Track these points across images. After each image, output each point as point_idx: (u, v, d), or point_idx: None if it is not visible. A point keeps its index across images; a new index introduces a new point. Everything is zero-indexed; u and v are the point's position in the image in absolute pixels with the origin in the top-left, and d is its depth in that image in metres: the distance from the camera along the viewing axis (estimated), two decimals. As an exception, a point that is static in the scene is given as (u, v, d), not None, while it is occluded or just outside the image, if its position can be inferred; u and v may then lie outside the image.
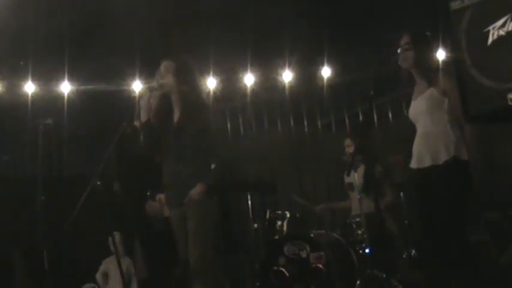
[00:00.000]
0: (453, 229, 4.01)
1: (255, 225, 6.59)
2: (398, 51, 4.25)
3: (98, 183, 4.23)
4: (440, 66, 4.28)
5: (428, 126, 4.16)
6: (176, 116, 4.52)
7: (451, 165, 4.03)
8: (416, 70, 4.28)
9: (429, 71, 4.23)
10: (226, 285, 4.42)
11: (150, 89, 4.55)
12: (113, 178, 5.84)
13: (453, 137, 4.07)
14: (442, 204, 4.03)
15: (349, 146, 6.43)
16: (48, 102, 7.79)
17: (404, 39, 4.26)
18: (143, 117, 4.50)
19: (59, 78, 7.86)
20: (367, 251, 5.79)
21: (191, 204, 4.30)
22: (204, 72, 7.79)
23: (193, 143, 4.38)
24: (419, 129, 4.25)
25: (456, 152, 4.03)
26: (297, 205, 6.88)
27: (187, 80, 4.51)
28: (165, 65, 4.55)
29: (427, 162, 4.12)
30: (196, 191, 4.30)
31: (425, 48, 4.26)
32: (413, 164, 4.25)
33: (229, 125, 8.51)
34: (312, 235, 5.87)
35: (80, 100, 7.89)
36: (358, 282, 5.52)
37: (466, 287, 4.04)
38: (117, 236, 6.54)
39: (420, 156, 4.17)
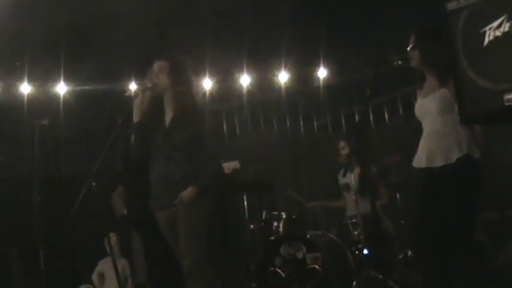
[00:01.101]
0: (465, 228, 4.01)
1: (252, 225, 6.59)
2: (408, 49, 4.24)
3: (94, 184, 4.21)
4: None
5: (439, 125, 4.11)
6: (169, 116, 4.49)
7: (465, 163, 4.00)
8: (425, 68, 4.24)
9: (441, 70, 4.18)
10: (219, 286, 4.39)
11: (143, 90, 4.50)
12: (114, 182, 5.83)
13: (464, 136, 4.05)
14: (455, 203, 4.01)
15: (343, 148, 6.43)
16: (44, 103, 7.79)
17: (410, 39, 4.24)
18: (136, 117, 4.46)
19: (55, 79, 7.86)
20: (365, 252, 5.80)
21: (182, 206, 4.26)
22: (200, 73, 7.80)
23: (186, 144, 4.34)
24: (428, 128, 4.19)
25: (469, 150, 4.02)
26: (291, 202, 6.88)
27: (182, 81, 4.45)
28: (159, 65, 4.48)
29: (439, 162, 4.08)
30: (188, 192, 4.24)
31: (431, 47, 4.21)
32: (420, 163, 4.20)
33: (225, 126, 8.51)
34: (308, 236, 5.87)
35: (76, 101, 7.89)
36: (354, 283, 5.53)
37: (468, 286, 4.04)
38: (113, 237, 6.54)
39: (431, 155, 4.11)
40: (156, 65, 4.50)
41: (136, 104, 4.46)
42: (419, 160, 4.19)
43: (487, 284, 4.13)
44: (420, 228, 4.26)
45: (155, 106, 4.51)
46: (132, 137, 4.51)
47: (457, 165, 4.00)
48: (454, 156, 4.02)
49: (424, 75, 4.30)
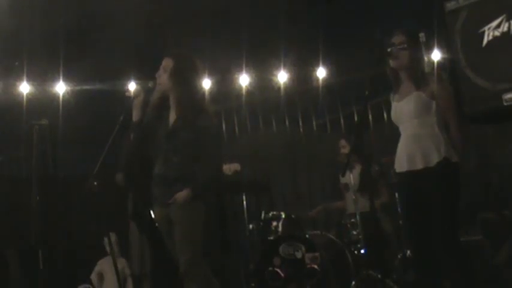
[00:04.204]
0: (446, 230, 4.02)
1: (250, 225, 6.59)
2: (389, 50, 4.20)
3: (95, 183, 4.19)
4: (432, 68, 4.23)
5: (416, 128, 4.12)
6: (173, 116, 4.47)
7: (444, 167, 4.02)
8: (406, 71, 4.22)
9: (419, 72, 4.18)
10: (217, 285, 4.40)
11: (144, 88, 4.48)
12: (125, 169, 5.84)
13: (442, 139, 4.07)
14: (435, 206, 4.03)
15: (344, 147, 6.44)
16: (43, 103, 7.78)
17: (399, 38, 4.21)
18: (135, 117, 4.45)
19: (54, 79, 7.84)
20: (362, 251, 5.80)
21: (176, 207, 4.26)
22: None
23: (185, 146, 4.33)
24: (406, 132, 4.20)
25: (447, 154, 4.03)
26: (292, 206, 6.89)
27: (184, 81, 4.40)
28: (164, 63, 4.43)
29: (419, 165, 4.09)
30: (182, 194, 4.24)
31: (419, 49, 4.23)
32: (401, 168, 4.22)
33: (224, 126, 8.50)
34: (307, 236, 5.87)
35: (75, 100, 7.87)
36: (353, 282, 5.53)
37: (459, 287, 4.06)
38: (112, 236, 6.54)
39: (411, 158, 4.13)
40: (163, 63, 4.46)
41: (136, 103, 4.44)
42: (401, 164, 4.20)
43: (479, 283, 4.15)
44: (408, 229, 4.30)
45: (161, 105, 4.49)
46: (131, 136, 4.49)
47: (437, 169, 4.01)
48: (434, 160, 4.03)
49: (399, 79, 4.28)
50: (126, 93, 4.50)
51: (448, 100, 4.07)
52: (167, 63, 4.43)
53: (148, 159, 4.58)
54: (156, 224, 4.49)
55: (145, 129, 4.47)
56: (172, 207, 4.28)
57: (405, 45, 4.16)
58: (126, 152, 4.90)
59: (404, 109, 4.19)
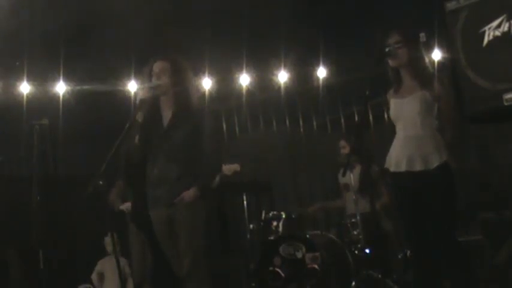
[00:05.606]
0: (444, 232, 4.03)
1: (251, 225, 6.59)
2: (387, 50, 4.21)
3: (100, 182, 4.18)
4: (435, 69, 4.23)
5: (419, 128, 4.12)
6: (167, 117, 4.48)
7: (444, 170, 4.03)
8: (407, 69, 4.21)
9: (421, 71, 4.19)
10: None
11: (150, 90, 4.49)
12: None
13: (442, 142, 4.07)
14: (433, 207, 4.04)
15: (344, 147, 6.44)
16: (44, 103, 7.78)
17: (395, 38, 4.21)
18: (140, 117, 4.46)
19: (54, 79, 7.85)
20: (364, 251, 5.80)
21: (182, 206, 4.26)
22: (200, 72, 7.80)
23: (185, 144, 4.34)
24: (405, 131, 4.17)
25: (447, 158, 4.04)
26: (292, 206, 6.89)
27: (182, 81, 4.45)
28: (160, 66, 4.46)
29: (418, 167, 4.09)
30: (189, 193, 4.25)
31: (417, 47, 4.23)
32: (399, 167, 4.20)
33: (224, 125, 8.51)
34: (307, 235, 5.86)
35: (75, 100, 7.88)
36: (353, 282, 5.52)
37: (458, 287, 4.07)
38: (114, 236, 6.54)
39: (411, 159, 4.12)
40: (157, 66, 4.47)
41: (141, 104, 4.45)
42: (399, 164, 4.18)
43: (479, 283, 4.15)
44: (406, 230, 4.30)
45: (153, 106, 4.51)
46: (136, 137, 4.49)
47: (437, 172, 4.02)
48: (434, 163, 4.03)
49: (400, 78, 4.28)
50: (127, 95, 4.52)
51: (448, 104, 4.07)
52: (164, 65, 4.46)
53: (146, 159, 4.58)
54: (156, 225, 4.48)
55: (147, 129, 4.48)
56: (177, 206, 4.28)
57: (403, 44, 4.17)
58: (131, 153, 4.89)
59: (406, 107, 4.17)
